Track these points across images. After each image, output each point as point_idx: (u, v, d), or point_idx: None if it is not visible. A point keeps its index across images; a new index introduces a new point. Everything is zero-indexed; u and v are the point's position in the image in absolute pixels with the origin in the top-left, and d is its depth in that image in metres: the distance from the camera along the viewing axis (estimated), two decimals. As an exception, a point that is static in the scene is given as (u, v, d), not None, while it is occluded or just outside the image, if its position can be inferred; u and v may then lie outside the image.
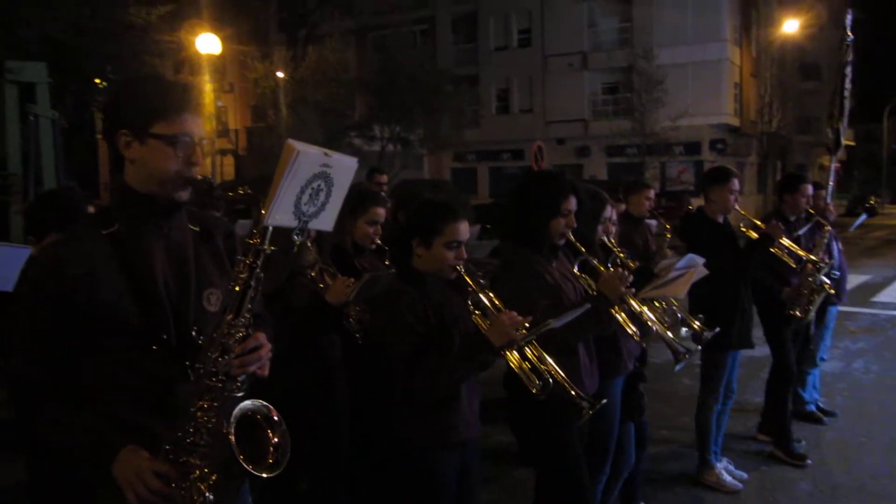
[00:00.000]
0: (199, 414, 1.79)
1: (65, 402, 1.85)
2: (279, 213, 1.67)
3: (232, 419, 1.74)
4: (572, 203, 3.12)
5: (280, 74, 23.29)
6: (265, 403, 1.83)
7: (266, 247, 1.76)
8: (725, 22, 31.29)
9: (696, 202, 4.73)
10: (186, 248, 1.97)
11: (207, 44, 16.84)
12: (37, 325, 1.86)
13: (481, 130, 33.50)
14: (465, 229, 2.74)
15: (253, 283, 1.78)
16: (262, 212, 1.68)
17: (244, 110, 38.19)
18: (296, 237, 1.76)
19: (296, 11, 35.35)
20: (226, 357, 1.79)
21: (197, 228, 2.02)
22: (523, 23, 34.62)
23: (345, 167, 1.77)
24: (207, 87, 19.50)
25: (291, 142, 1.62)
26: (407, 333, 2.58)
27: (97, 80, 16.42)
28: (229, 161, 32.75)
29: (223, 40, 20.60)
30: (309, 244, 3.33)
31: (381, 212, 3.87)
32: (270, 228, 1.74)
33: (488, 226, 17.44)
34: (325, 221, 1.80)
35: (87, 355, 1.86)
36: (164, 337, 1.86)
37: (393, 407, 2.68)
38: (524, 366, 2.61)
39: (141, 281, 1.86)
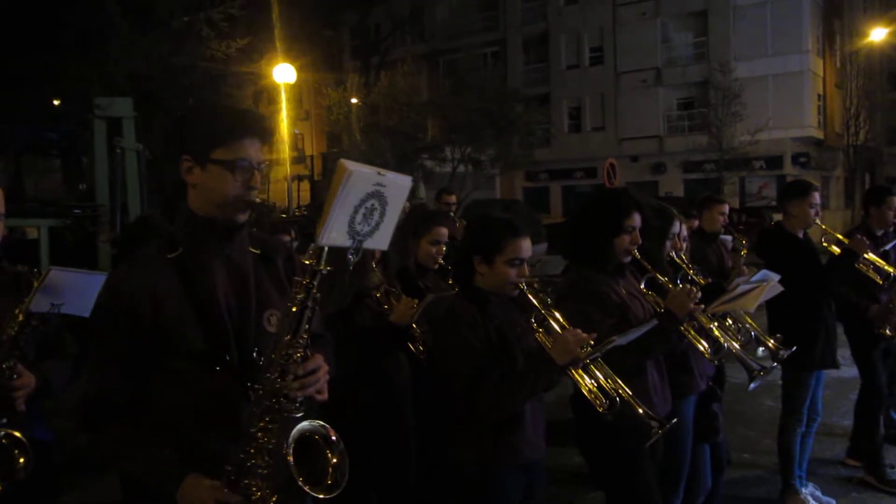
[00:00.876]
0: (259, 435, 1.81)
1: (132, 427, 1.91)
2: (333, 233, 1.68)
3: (290, 440, 1.76)
4: (636, 220, 3.05)
5: (354, 101, 23.81)
6: (323, 424, 1.85)
7: (322, 267, 1.78)
8: (807, 32, 30.31)
9: (778, 218, 4.62)
10: (247, 269, 2.01)
11: (283, 73, 17.36)
12: (105, 348, 1.93)
13: (553, 149, 33.33)
14: (527, 246, 2.71)
15: (310, 304, 1.80)
16: (317, 232, 1.70)
17: (320, 137, 39.22)
18: (351, 257, 1.77)
19: (368, 39, 36.24)
20: (285, 378, 1.81)
21: (258, 251, 2.07)
22: (595, 41, 34.40)
23: (399, 186, 1.77)
24: (283, 116, 20.15)
25: (344, 161, 1.64)
26: (468, 353, 2.56)
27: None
28: (305, 186, 33.59)
29: (299, 69, 21.23)
30: (374, 266, 3.36)
31: (444, 231, 3.89)
32: (326, 249, 1.76)
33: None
34: (380, 241, 1.81)
35: (154, 377, 1.92)
36: (227, 358, 1.90)
37: (456, 428, 2.67)
38: (590, 385, 2.55)
39: (203, 303, 1.91)
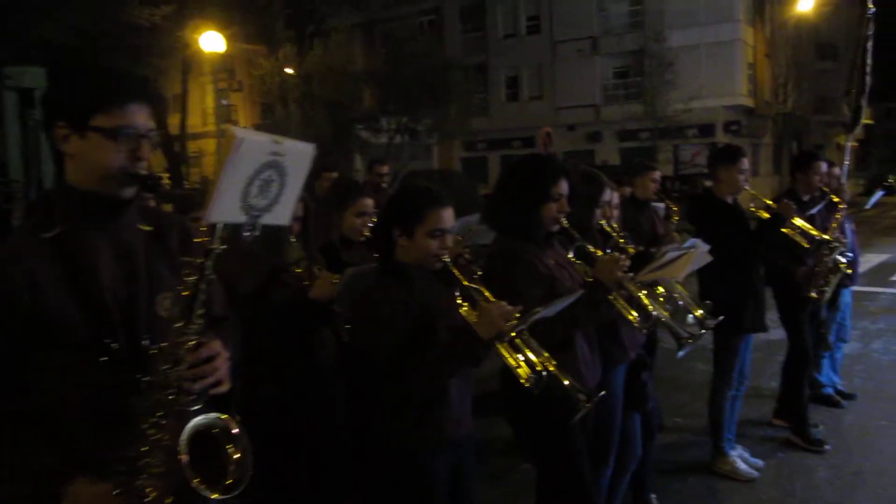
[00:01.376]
0: (151, 431, 1.65)
1: (3, 427, 1.72)
2: (222, 208, 1.53)
3: (183, 436, 1.61)
4: (563, 187, 2.96)
5: (288, 70, 23.21)
6: (222, 416, 1.70)
7: (216, 245, 1.63)
8: (738, 2, 30.80)
9: (709, 185, 4.66)
10: (136, 249, 1.83)
11: (211, 42, 16.77)
12: None
13: (491, 119, 33.25)
14: (448, 216, 2.59)
15: (203, 287, 1.65)
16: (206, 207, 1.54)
17: (253, 108, 38.22)
18: (246, 234, 1.62)
19: (303, 8, 35.30)
20: (177, 368, 1.66)
21: (150, 228, 1.89)
22: (531, 10, 34.34)
23: (300, 154, 1.62)
24: (210, 87, 19.52)
25: (232, 128, 1.48)
26: (388, 330, 2.44)
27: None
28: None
29: (229, 39, 20.59)
30: (293, 239, 3.20)
31: (369, 202, 3.75)
32: (219, 225, 1.61)
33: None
34: (280, 215, 1.66)
35: (31, 371, 1.73)
36: (113, 347, 1.73)
37: (380, 406, 2.56)
38: (517, 359, 2.46)
39: (85, 287, 1.73)
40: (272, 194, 1.61)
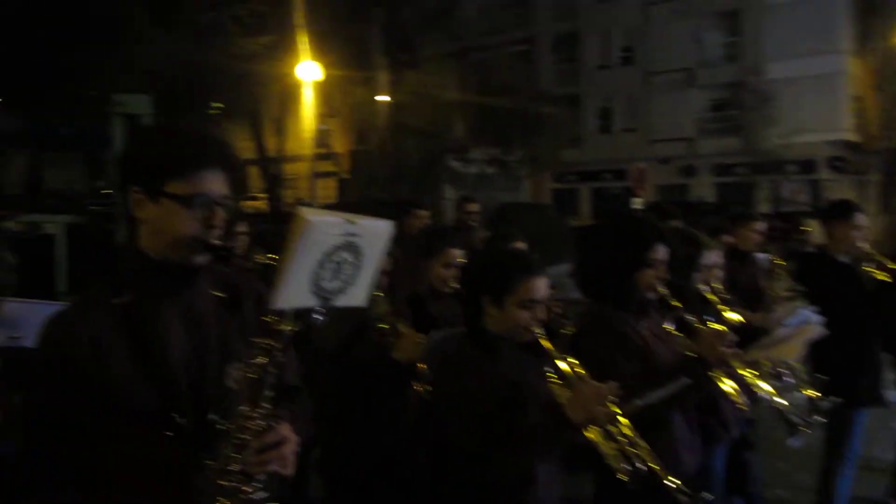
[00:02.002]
0: None
1: (61, 500, 1.66)
2: (291, 294, 1.41)
3: None
4: (661, 252, 2.74)
5: (380, 98, 23.60)
6: None
7: (287, 327, 1.51)
8: (843, 32, 29.52)
9: (812, 225, 4.33)
10: (208, 318, 1.74)
11: (309, 71, 17.18)
12: (36, 405, 1.69)
13: (582, 151, 32.85)
14: (541, 286, 2.41)
15: (271, 369, 1.53)
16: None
17: (348, 134, 39.07)
18: (317, 317, 1.49)
19: (397, 36, 36.02)
20: (242, 454, 1.54)
21: (223, 294, 1.80)
22: (625, 40, 33.89)
23: (377, 233, 1.50)
24: (308, 113, 20.02)
25: (304, 211, 1.36)
26: (473, 406, 2.27)
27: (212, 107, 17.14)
28: (332, 184, 33.47)
29: (327, 66, 21.07)
30: (381, 294, 3.09)
31: (458, 253, 3.63)
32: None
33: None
34: (355, 296, 1.53)
35: (96, 441, 1.66)
36: (179, 422, 1.64)
37: (458, 488, 2.38)
38: (610, 446, 2.25)
39: (153, 357, 1.65)
40: (346, 276, 1.49)
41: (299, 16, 19.02)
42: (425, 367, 2.96)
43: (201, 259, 1.69)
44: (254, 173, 39.78)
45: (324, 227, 1.38)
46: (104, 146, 10.33)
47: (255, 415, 1.55)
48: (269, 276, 1.60)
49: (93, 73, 11.14)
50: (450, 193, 23.90)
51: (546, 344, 2.37)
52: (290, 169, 36.36)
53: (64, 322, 1.69)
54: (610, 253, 2.83)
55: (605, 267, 2.82)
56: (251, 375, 1.54)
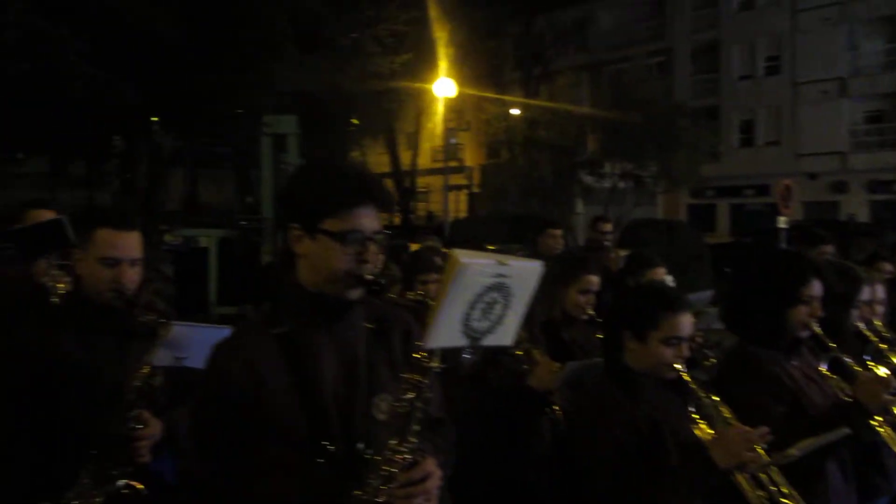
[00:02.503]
0: None
1: None
2: (443, 335, 1.45)
3: None
4: (816, 288, 2.59)
5: (513, 112, 23.67)
6: None
7: (435, 365, 1.55)
8: None
9: None
10: (358, 350, 1.82)
11: (444, 88, 17.54)
12: (204, 425, 1.82)
13: (721, 165, 31.49)
14: (687, 323, 2.35)
15: (420, 405, 1.58)
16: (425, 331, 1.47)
17: (479, 148, 39.46)
18: (466, 356, 1.53)
19: (531, 50, 36.05)
20: (389, 486, 1.60)
21: (372, 325, 1.87)
22: (771, 49, 32.25)
23: (526, 275, 1.52)
24: (440, 127, 20.34)
25: (457, 253, 1.40)
26: (612, 445, 2.24)
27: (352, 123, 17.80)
28: (463, 197, 33.90)
29: (460, 81, 21.41)
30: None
31: (595, 279, 3.59)
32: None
33: (726, 269, 16.19)
34: (503, 336, 1.56)
35: (252, 462, 1.77)
36: (330, 449, 1.72)
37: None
38: (759, 495, 2.15)
39: (308, 386, 1.74)
40: (495, 316, 1.52)
41: (437, 33, 19.44)
42: (561, 396, 2.96)
43: (355, 293, 1.77)
44: (388, 186, 40.95)
45: (476, 268, 1.41)
46: (254, 164, 11.00)
47: (403, 448, 1.60)
48: (418, 310, 1.65)
49: (242, 94, 11.87)
50: (581, 208, 23.59)
51: (691, 383, 2.30)
52: (422, 182, 37.22)
53: (228, 349, 1.82)
54: (761, 288, 2.70)
55: (754, 302, 2.70)
56: (400, 410, 1.58)
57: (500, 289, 1.48)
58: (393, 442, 1.60)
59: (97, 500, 2.31)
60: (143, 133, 13.62)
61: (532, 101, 22.13)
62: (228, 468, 1.78)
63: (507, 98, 24.55)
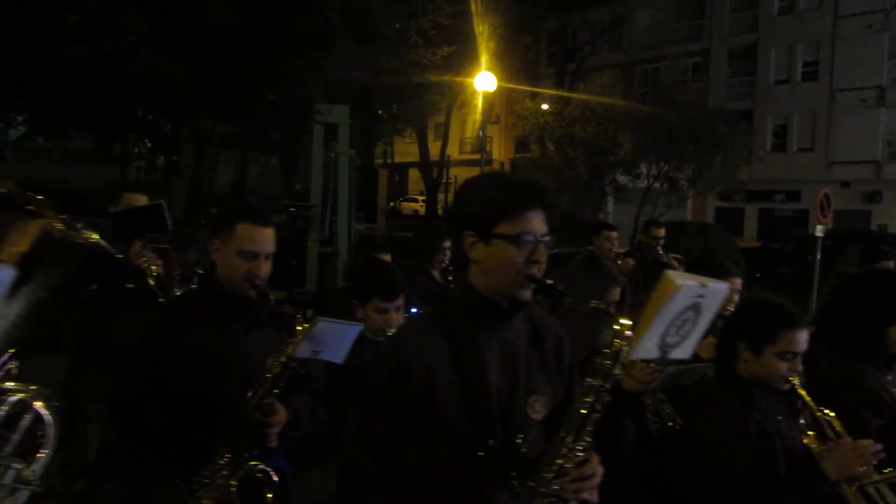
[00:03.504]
0: None
1: (387, 494, 1.88)
2: (644, 348, 1.57)
3: None
4: None
5: (545, 107, 23.67)
6: None
7: (617, 372, 1.67)
8: None
9: None
10: (519, 350, 1.94)
11: (485, 82, 17.62)
12: (371, 414, 1.92)
13: (753, 169, 31.31)
14: (803, 339, 2.45)
15: (598, 408, 1.70)
16: (623, 343, 1.59)
17: (508, 142, 39.47)
18: (653, 367, 1.64)
19: (565, 46, 35.95)
20: (560, 479, 1.72)
21: (529, 328, 1.99)
22: (810, 54, 31.93)
23: (717, 295, 1.64)
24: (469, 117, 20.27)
25: (671, 274, 1.51)
26: (725, 454, 2.35)
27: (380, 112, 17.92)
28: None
29: (497, 75, 21.43)
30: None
31: None
32: (623, 354, 1.65)
33: (758, 275, 16.13)
34: (685, 350, 1.68)
35: (413, 453, 1.88)
36: (490, 444, 1.83)
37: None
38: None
39: (474, 383, 1.86)
40: (685, 332, 1.64)
41: (478, 28, 19.49)
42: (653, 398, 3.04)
43: (526, 294, 1.89)
44: (415, 177, 41.02)
45: (687, 290, 1.53)
46: (302, 151, 11.13)
47: (578, 446, 1.72)
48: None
49: (294, 82, 12.02)
50: (611, 207, 23.56)
51: (805, 396, 2.40)
52: (451, 173, 37.28)
53: (403, 343, 1.95)
54: (862, 305, 2.80)
55: (855, 319, 2.80)
56: (582, 411, 1.70)
57: (696, 308, 1.60)
58: (569, 439, 1.72)
59: (231, 481, 2.44)
60: (190, 116, 13.83)
61: (573, 95, 21.96)
62: (392, 457, 1.90)
63: (547, 92, 24.42)
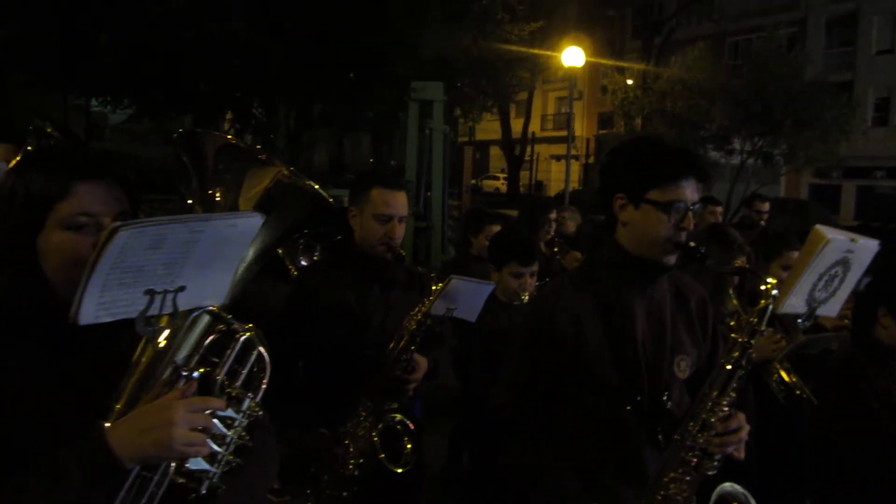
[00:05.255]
0: (670, 486, 1.82)
1: (534, 449, 2.01)
2: (793, 300, 1.63)
3: (713, 499, 1.75)
4: None
5: (630, 82, 23.16)
6: (744, 491, 1.81)
7: (763, 328, 1.74)
8: None
9: None
10: (665, 311, 2.02)
11: (573, 57, 17.41)
12: (522, 365, 2.05)
13: (851, 144, 29.84)
14: None
15: (744, 363, 1.77)
16: (774, 296, 1.65)
17: (591, 118, 38.85)
18: (801, 322, 1.70)
19: (651, 18, 34.96)
20: (706, 433, 1.80)
21: (674, 290, 2.07)
22: (915, 23, 30.15)
23: (866, 250, 1.67)
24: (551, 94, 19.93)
25: (821, 229, 1.57)
26: (866, 414, 2.37)
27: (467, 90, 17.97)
28: (576, 167, 33.55)
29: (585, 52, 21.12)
30: (731, 291, 3.24)
31: (796, 255, 3.65)
32: (769, 310, 1.72)
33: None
34: (833, 307, 1.72)
35: (560, 406, 2.00)
36: (638, 399, 1.93)
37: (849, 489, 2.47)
38: None
39: (622, 340, 1.95)
40: (832, 288, 1.69)
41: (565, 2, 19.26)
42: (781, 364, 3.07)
43: (671, 259, 1.97)
44: (496, 154, 40.87)
45: (836, 244, 1.58)
46: (396, 128, 11.33)
47: (724, 401, 1.80)
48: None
49: (390, 60, 12.20)
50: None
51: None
52: (533, 151, 37.05)
53: (553, 300, 2.05)
54: None
55: None
56: (727, 367, 1.78)
57: (844, 263, 1.65)
58: (714, 393, 1.80)
59: (373, 431, 2.61)
60: (288, 96, 14.24)
61: (665, 70, 21.43)
62: (542, 410, 2.02)
63: (636, 67, 23.89)
